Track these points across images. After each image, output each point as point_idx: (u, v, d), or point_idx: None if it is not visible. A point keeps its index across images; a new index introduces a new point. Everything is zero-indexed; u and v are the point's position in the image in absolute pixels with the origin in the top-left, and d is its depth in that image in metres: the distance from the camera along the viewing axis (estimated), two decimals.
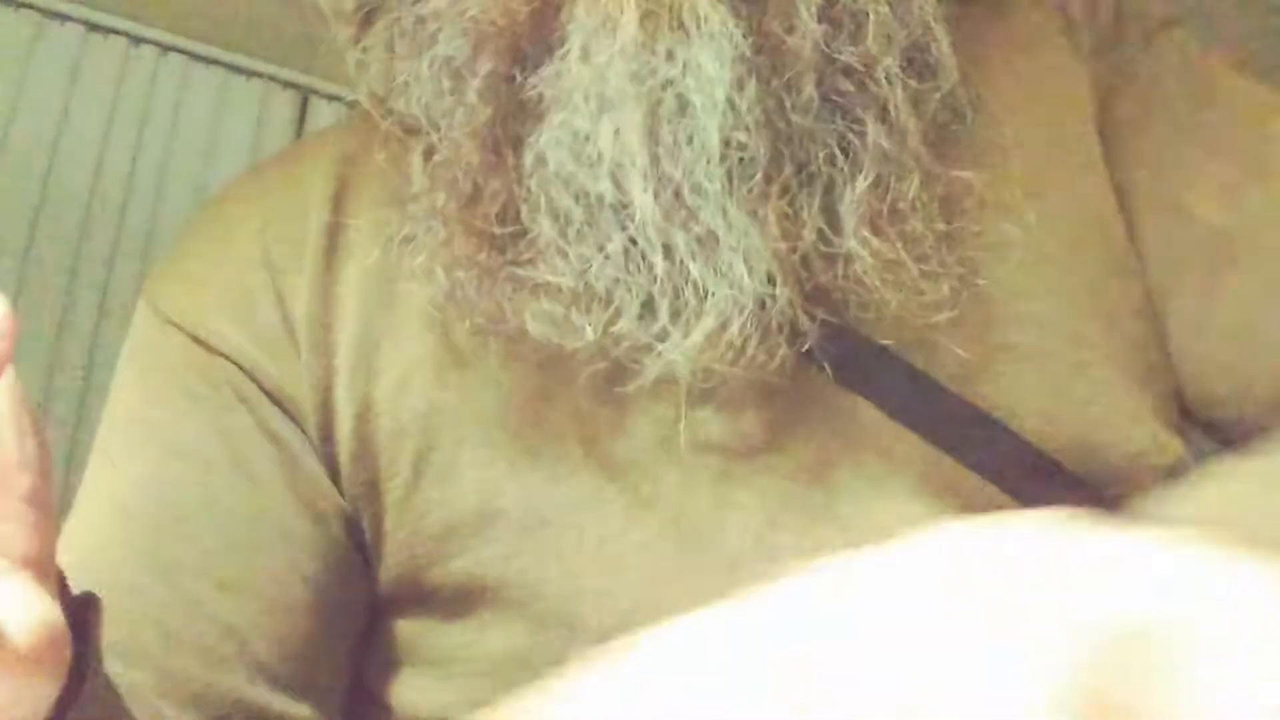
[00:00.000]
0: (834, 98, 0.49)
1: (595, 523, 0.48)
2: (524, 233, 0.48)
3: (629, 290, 0.46)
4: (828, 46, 0.49)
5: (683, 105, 0.47)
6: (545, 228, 0.47)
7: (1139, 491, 0.50)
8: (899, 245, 0.48)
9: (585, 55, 0.48)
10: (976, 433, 0.49)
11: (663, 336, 0.46)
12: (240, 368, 0.52)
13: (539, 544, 0.49)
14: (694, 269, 0.46)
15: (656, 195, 0.47)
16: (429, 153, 0.50)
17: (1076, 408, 0.50)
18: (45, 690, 0.32)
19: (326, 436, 0.51)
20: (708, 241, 0.47)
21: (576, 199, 0.47)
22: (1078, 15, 0.58)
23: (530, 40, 0.49)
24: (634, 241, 0.47)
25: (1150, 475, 0.51)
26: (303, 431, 0.51)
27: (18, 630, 0.30)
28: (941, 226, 0.49)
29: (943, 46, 0.51)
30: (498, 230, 0.48)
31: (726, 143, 0.47)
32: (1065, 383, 0.51)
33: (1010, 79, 0.56)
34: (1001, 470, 0.49)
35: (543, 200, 0.47)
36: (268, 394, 0.52)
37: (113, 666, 0.41)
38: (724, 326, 0.46)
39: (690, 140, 0.47)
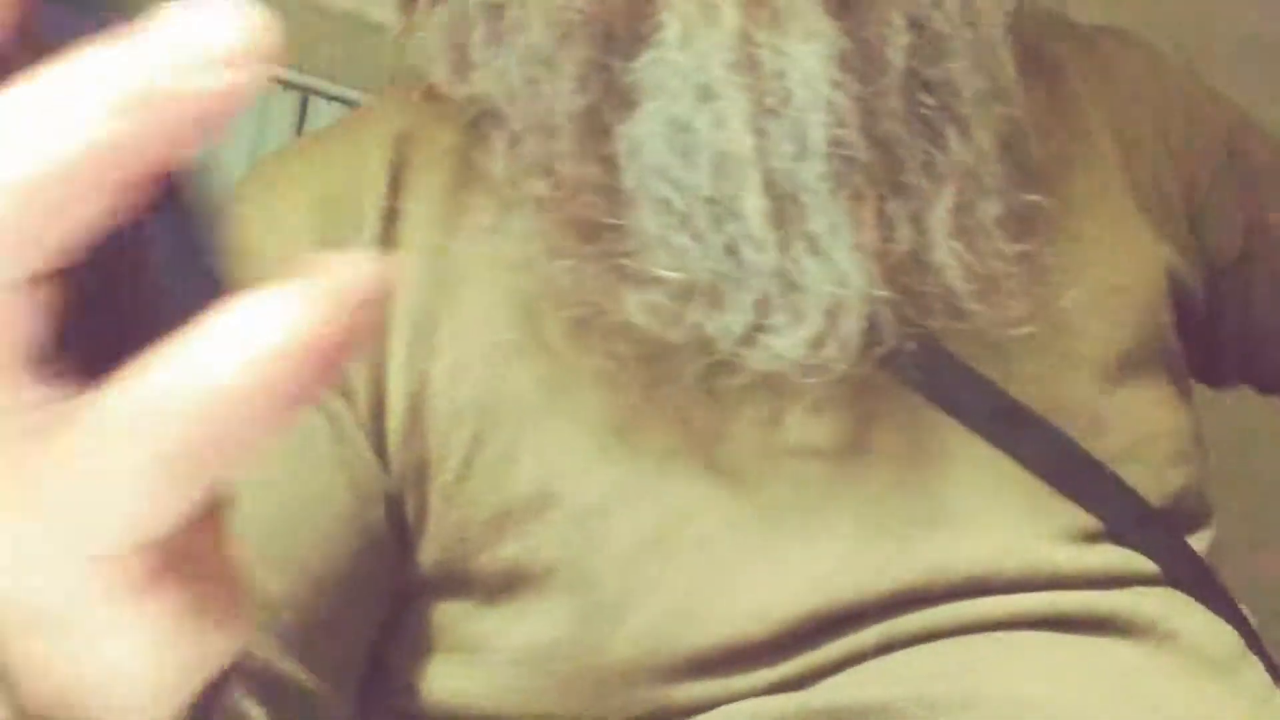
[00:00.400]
0: (919, 111, 0.50)
1: (657, 513, 0.49)
2: (623, 224, 0.48)
3: (734, 285, 0.47)
4: (915, 62, 0.50)
5: (786, 99, 0.48)
6: (646, 219, 0.48)
7: (1174, 497, 0.52)
8: (987, 259, 0.50)
9: (685, 42, 0.48)
10: (1032, 434, 0.51)
11: (766, 331, 0.47)
12: None
13: (597, 532, 0.49)
14: (798, 265, 0.47)
15: (763, 191, 0.47)
16: (514, 140, 0.50)
17: (1125, 417, 0.53)
18: (232, 647, 0.30)
19: (378, 415, 0.51)
20: (812, 239, 0.47)
21: (677, 190, 0.47)
22: (1179, 124, 0.64)
23: (623, 26, 0.49)
24: (739, 236, 0.47)
25: (1181, 480, 0.53)
26: (353, 409, 0.51)
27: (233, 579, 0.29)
28: (1019, 246, 0.51)
29: (1008, 71, 0.53)
30: (596, 220, 0.48)
31: (829, 140, 0.48)
32: (1118, 393, 0.54)
33: (1064, 127, 0.59)
34: (1052, 469, 0.51)
35: (641, 191, 0.48)
36: None
37: None
38: (826, 323, 0.47)
39: (796, 135, 0.47)
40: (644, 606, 0.49)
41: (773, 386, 0.48)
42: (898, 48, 0.50)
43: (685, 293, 0.47)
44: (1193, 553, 0.52)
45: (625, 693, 0.49)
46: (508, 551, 0.50)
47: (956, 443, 0.50)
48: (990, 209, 0.50)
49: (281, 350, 0.20)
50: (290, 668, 0.50)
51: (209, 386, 0.19)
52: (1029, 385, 0.52)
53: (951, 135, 0.51)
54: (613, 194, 0.49)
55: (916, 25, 0.50)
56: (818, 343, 0.47)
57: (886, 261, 0.49)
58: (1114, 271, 0.56)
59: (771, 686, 0.48)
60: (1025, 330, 0.50)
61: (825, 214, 0.47)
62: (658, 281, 0.47)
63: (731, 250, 0.47)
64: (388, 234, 0.53)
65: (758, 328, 0.47)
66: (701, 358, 0.48)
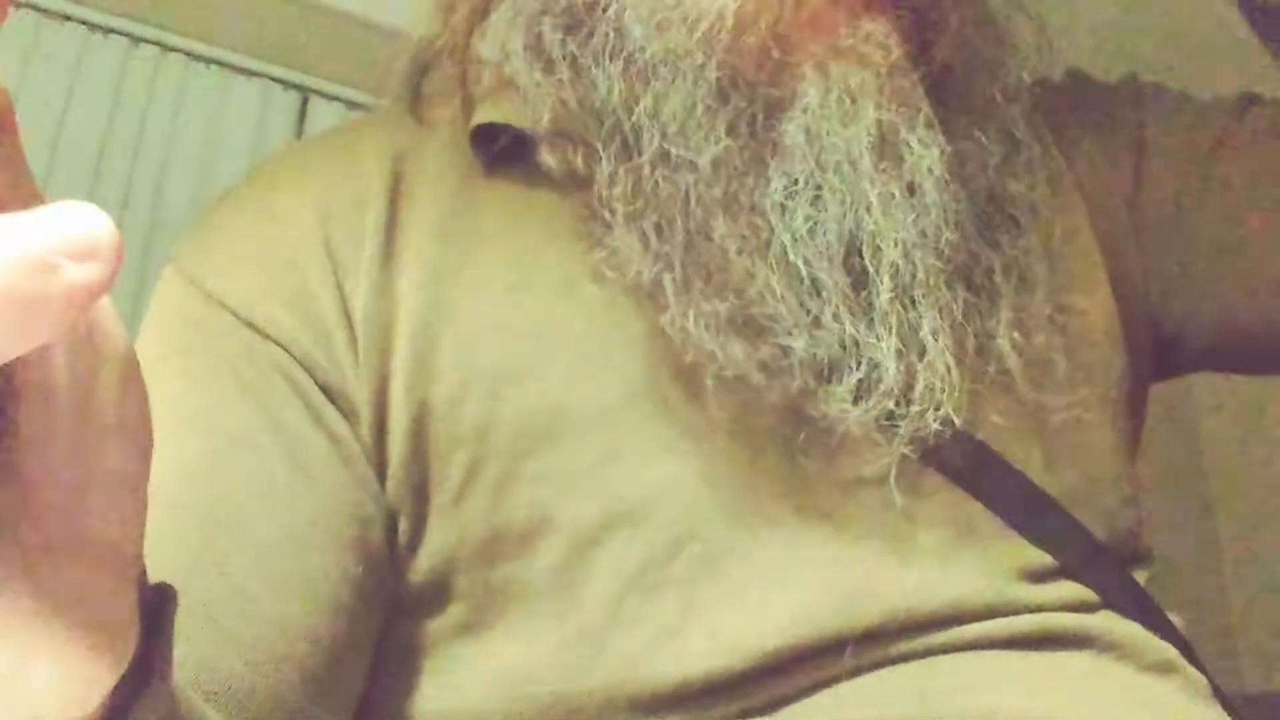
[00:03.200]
0: (987, 218, 0.54)
1: (645, 547, 0.49)
2: (750, 277, 0.50)
3: (850, 359, 0.49)
4: (995, 175, 0.54)
5: (916, 191, 0.51)
6: (775, 279, 0.49)
7: (1123, 536, 0.54)
8: (1043, 349, 0.53)
9: (835, 119, 0.51)
10: (995, 477, 0.53)
11: (851, 404, 0.49)
12: (294, 358, 0.50)
13: (587, 561, 0.49)
14: (908, 355, 0.49)
15: (891, 275, 0.49)
16: (631, 165, 0.51)
17: (1080, 461, 0.56)
18: (98, 677, 0.29)
19: (380, 435, 0.50)
20: (923, 328, 0.50)
21: (807, 258, 0.49)
22: (1129, 157, 0.64)
23: (767, 86, 0.52)
24: (865, 314, 0.50)
25: (1129, 522, 0.56)
26: (354, 430, 0.50)
27: (71, 617, 0.28)
28: (1060, 340, 0.54)
29: (1042, 178, 0.57)
30: (726, 268, 0.50)
31: (942, 238, 0.51)
32: (1077, 437, 0.56)
33: (1057, 202, 0.61)
34: (1013, 511, 0.52)
35: (776, 250, 0.50)
36: (322, 388, 0.50)
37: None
38: (929, 407, 0.49)
39: (921, 227, 0.50)
40: (625, 637, 0.48)
41: (774, 437, 0.50)
42: (986, 164, 0.54)
43: (801, 358, 0.49)
44: (1134, 583, 0.54)
45: None
46: (498, 573, 0.50)
47: (928, 484, 0.51)
48: (1042, 309, 0.54)
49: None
50: (301, 702, 0.48)
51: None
52: (992, 426, 0.53)
53: (1004, 241, 0.54)
54: (745, 245, 0.50)
55: (993, 142, 0.55)
56: (913, 422, 0.49)
57: (964, 351, 0.51)
58: (1085, 342, 0.58)
59: (743, 712, 0.48)
60: (1070, 415, 0.54)
61: (934, 305, 0.50)
62: (775, 341, 0.49)
63: (854, 325, 0.49)
64: (389, 249, 0.53)
65: (857, 401, 0.49)
66: (790, 417, 0.50)
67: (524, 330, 0.50)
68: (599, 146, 0.52)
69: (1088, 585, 0.51)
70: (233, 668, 0.46)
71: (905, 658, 0.48)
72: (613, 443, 0.49)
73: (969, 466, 0.51)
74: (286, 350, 0.50)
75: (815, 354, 0.48)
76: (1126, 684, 0.49)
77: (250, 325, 0.51)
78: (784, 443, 0.50)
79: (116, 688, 0.31)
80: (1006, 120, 0.56)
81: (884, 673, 0.48)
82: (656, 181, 0.50)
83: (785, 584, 0.48)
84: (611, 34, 0.52)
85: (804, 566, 0.49)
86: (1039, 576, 0.51)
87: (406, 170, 0.55)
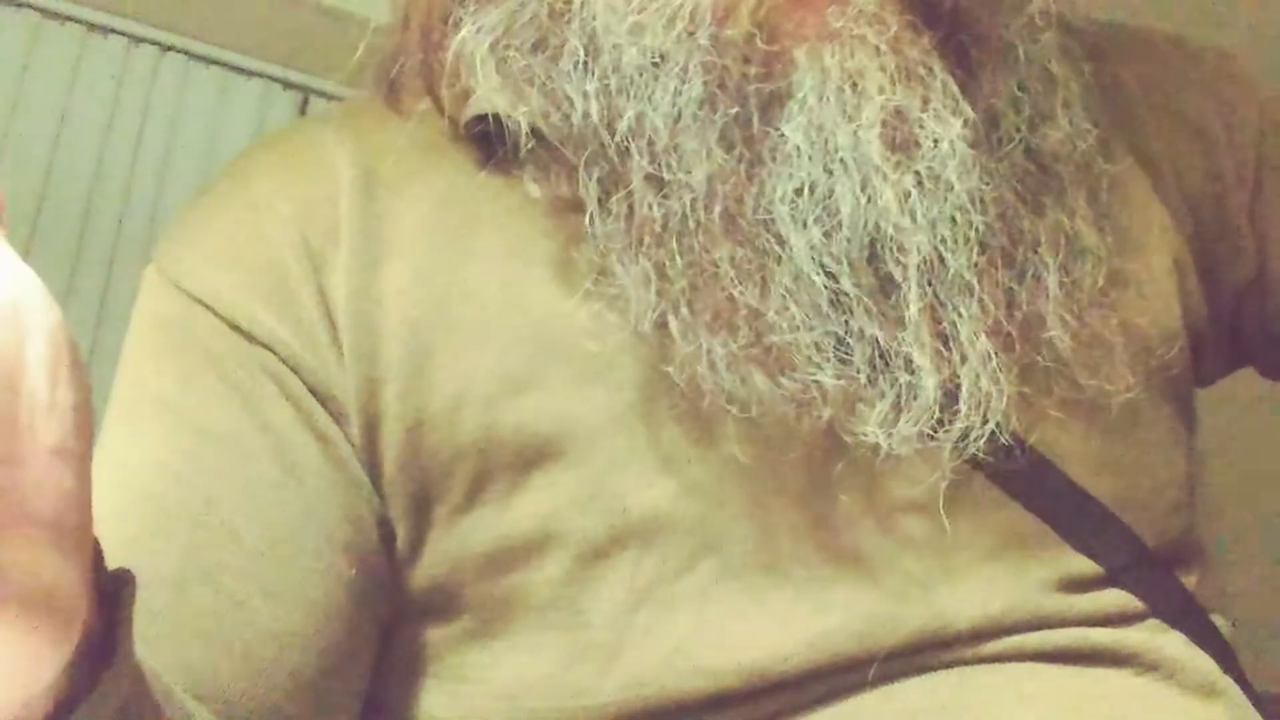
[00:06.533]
0: (1026, 181, 0.49)
1: (656, 563, 0.47)
2: (764, 305, 0.46)
3: (882, 385, 0.45)
4: (1027, 130, 0.49)
5: (935, 180, 0.46)
6: (793, 303, 0.45)
7: (1172, 543, 0.52)
8: (1094, 326, 0.49)
9: (838, 110, 0.47)
10: (1041, 479, 0.49)
11: (885, 428, 0.45)
12: (280, 359, 0.49)
13: (595, 575, 0.48)
14: (947, 366, 0.46)
15: (919, 281, 0.45)
16: (617, 191, 0.47)
17: (1130, 464, 0.52)
18: (41, 654, 0.29)
19: (371, 442, 0.49)
20: (957, 336, 0.46)
21: (826, 273, 0.45)
22: (1217, 130, 0.59)
23: (758, 83, 0.47)
24: (893, 329, 0.45)
25: (1180, 527, 0.53)
26: (344, 431, 0.49)
27: (10, 591, 0.27)
28: (1115, 316, 0.50)
29: (1093, 125, 0.52)
30: (736, 303, 0.46)
31: (972, 225, 0.46)
32: (1126, 440, 0.52)
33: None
34: (1059, 515, 0.50)
35: (789, 270, 0.45)
36: (310, 389, 0.49)
37: (148, 664, 0.39)
38: (962, 421, 0.45)
39: (950, 222, 0.46)
40: (635, 652, 0.47)
41: (802, 465, 0.46)
42: (1014, 117, 0.49)
43: (828, 388, 0.45)
44: (1183, 590, 0.51)
45: None
46: (503, 584, 0.48)
47: (972, 494, 0.48)
48: (1094, 279, 0.49)
49: None
50: (298, 708, 0.47)
51: None
52: (1046, 424, 0.49)
53: (1049, 203, 0.49)
54: (755, 270, 0.46)
55: (1026, 90, 0.50)
56: (962, 436, 0.45)
57: (1007, 342, 0.47)
58: (1137, 314, 0.53)
59: (763, 716, 0.46)
60: (1128, 396, 0.49)
61: (968, 306, 0.46)
62: (797, 374, 0.45)
63: (885, 340, 0.45)
64: (370, 246, 0.50)
65: (893, 424, 0.45)
66: (822, 444, 0.46)
67: (522, 338, 0.48)
68: (583, 174, 0.48)
69: (1133, 593, 0.49)
70: (224, 673, 0.45)
71: (932, 669, 0.46)
72: (619, 455, 0.47)
73: (1018, 472, 0.48)
74: (272, 351, 0.49)
75: (842, 381, 0.45)
76: (1167, 707, 0.47)
77: (235, 328, 0.50)
78: (814, 469, 0.47)
79: (75, 667, 0.31)
80: (1035, 56, 0.50)
81: (908, 684, 0.46)
82: (650, 209, 0.46)
83: (807, 604, 0.46)
84: (581, 48, 0.48)
85: (827, 586, 0.47)
86: (1082, 585, 0.48)
87: (383, 165, 0.52)
